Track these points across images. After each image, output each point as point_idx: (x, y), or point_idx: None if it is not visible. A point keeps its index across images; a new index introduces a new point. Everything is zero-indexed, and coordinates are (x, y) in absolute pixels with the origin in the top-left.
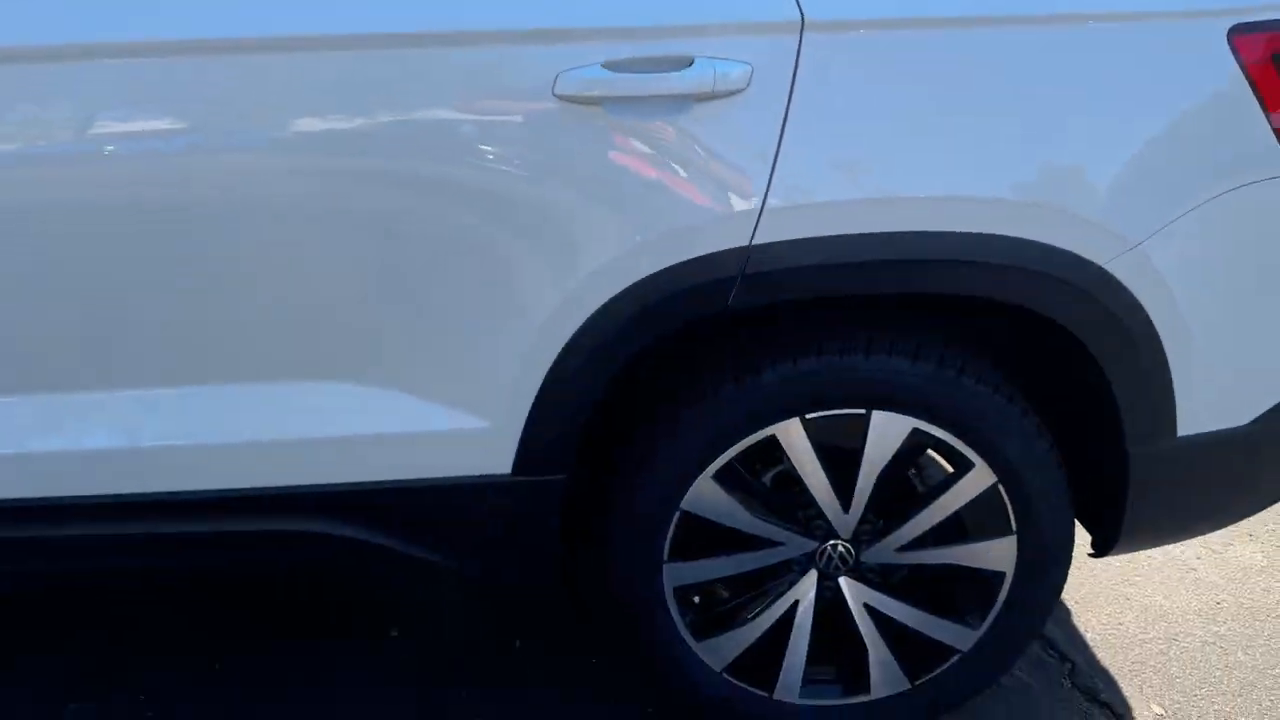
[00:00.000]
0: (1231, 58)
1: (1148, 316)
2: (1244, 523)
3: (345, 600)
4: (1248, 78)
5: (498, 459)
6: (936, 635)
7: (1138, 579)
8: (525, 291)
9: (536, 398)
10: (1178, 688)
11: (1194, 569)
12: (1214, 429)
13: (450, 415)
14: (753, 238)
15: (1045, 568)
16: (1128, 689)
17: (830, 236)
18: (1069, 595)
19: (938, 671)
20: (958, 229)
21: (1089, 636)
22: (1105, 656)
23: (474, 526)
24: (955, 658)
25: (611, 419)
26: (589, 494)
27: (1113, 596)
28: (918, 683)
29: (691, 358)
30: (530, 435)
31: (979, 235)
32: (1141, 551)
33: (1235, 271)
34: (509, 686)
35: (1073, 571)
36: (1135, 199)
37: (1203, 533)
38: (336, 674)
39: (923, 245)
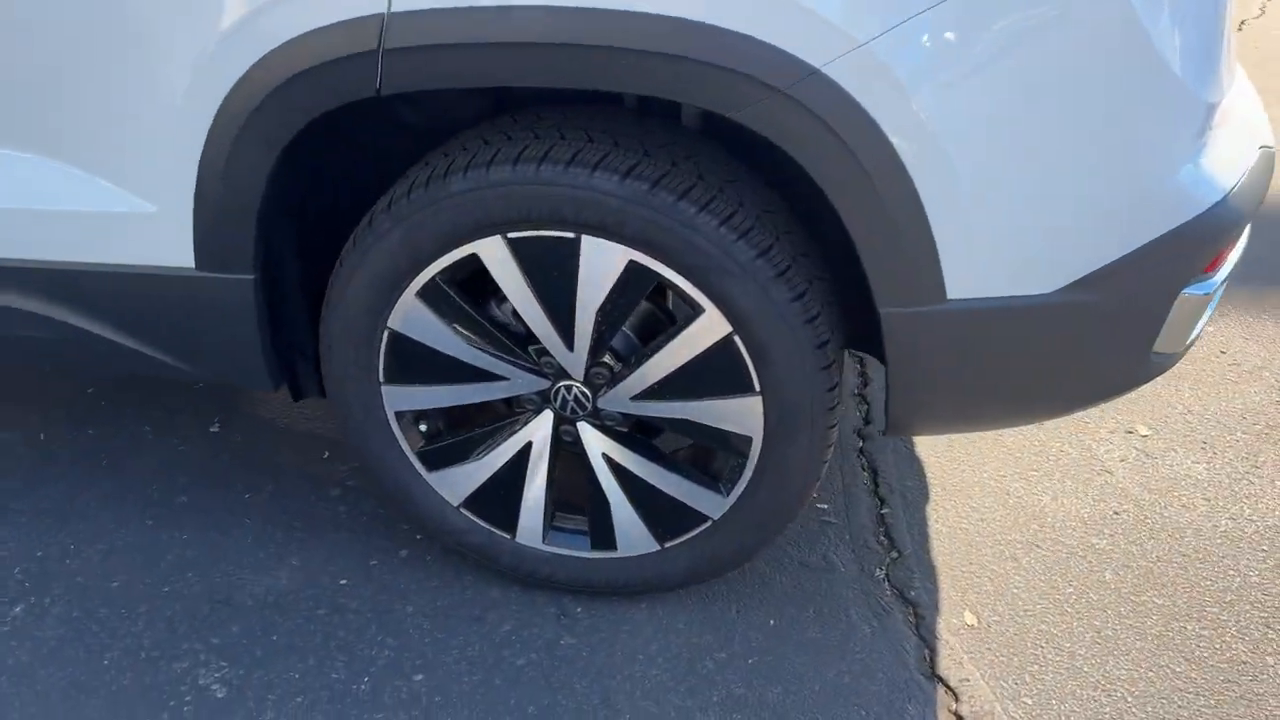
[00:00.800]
0: None
1: (888, 142)
2: (1201, 429)
3: (179, 395)
4: None
5: (177, 251)
6: (682, 498)
7: (1034, 474)
8: (158, 59)
9: (196, 186)
10: (1008, 600)
11: (1110, 472)
12: (1001, 295)
13: (122, 198)
14: (390, 3)
15: (795, 436)
16: (948, 591)
17: (480, 8)
18: (937, 480)
19: (688, 537)
20: (616, 6)
21: (936, 528)
22: (943, 552)
23: (174, 322)
24: (706, 524)
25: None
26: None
27: (992, 489)
28: (667, 546)
29: (380, 155)
30: (201, 227)
31: (646, 16)
32: (1056, 444)
33: (1015, 91)
34: (312, 494)
35: (962, 456)
36: None
37: (1002, 425)
38: (149, 456)
39: (575, 26)
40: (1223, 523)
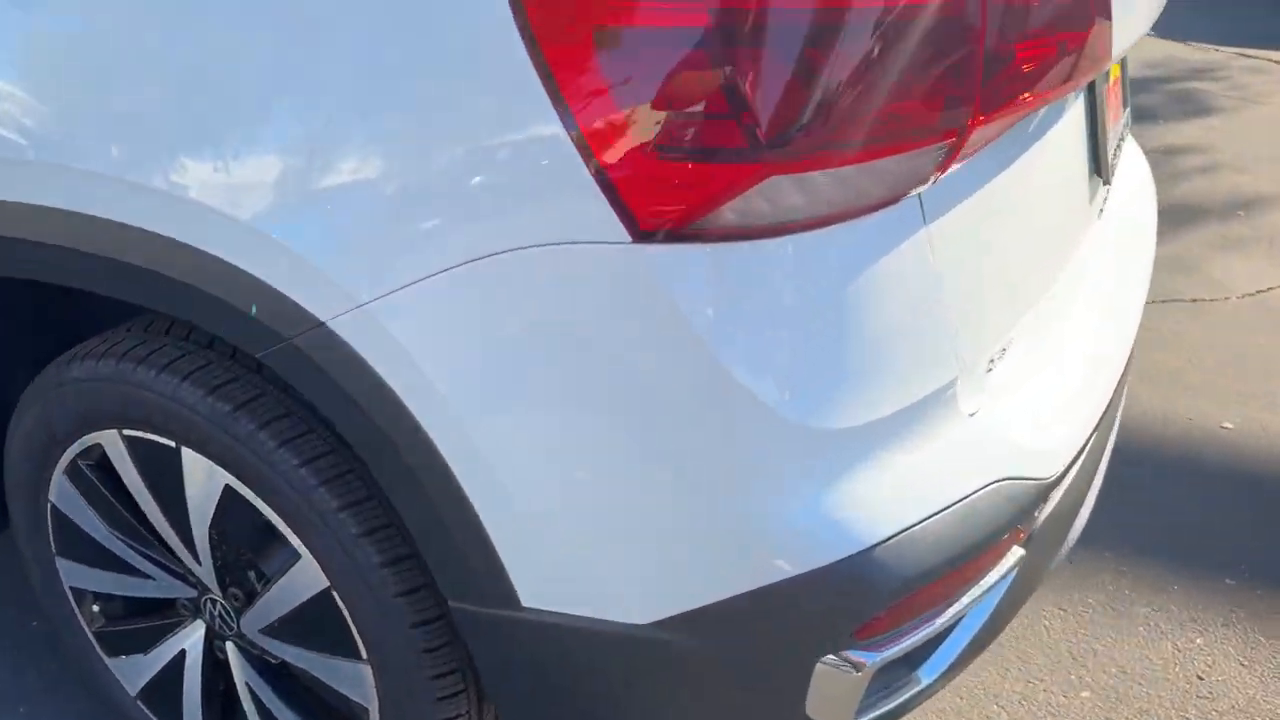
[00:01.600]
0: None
1: (415, 422)
2: None
3: None
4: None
5: None
6: None
7: None
8: None
9: None
10: None
11: None
12: (585, 615)
13: None
14: None
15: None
16: None
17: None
18: None
19: None
20: (117, 218)
21: None
22: None
23: None
24: None
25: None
26: None
27: None
28: None
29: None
30: None
31: (152, 236)
32: None
33: (548, 392)
34: None
35: None
36: (363, 230)
37: None
38: None
39: (94, 236)
40: None
